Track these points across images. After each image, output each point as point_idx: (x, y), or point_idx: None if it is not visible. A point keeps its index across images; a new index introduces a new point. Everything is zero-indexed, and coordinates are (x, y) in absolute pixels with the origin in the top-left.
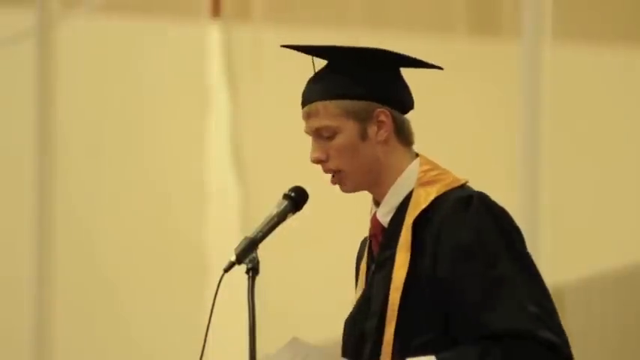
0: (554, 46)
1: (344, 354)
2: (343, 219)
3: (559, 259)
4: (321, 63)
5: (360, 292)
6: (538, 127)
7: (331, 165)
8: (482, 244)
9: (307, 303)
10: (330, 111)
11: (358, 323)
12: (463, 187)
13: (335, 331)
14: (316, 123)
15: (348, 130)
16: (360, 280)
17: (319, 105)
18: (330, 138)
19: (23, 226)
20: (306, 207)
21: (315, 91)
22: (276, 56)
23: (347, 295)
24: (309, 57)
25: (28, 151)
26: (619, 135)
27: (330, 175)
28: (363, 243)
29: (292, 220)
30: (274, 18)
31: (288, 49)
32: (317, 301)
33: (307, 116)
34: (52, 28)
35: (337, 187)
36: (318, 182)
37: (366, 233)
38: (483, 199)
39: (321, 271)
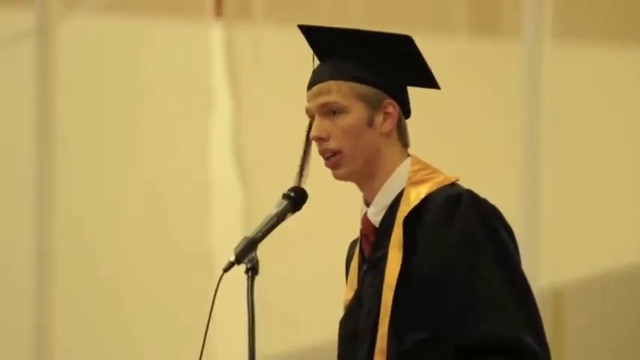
0: (555, 47)
1: (339, 354)
2: (343, 219)
3: (559, 259)
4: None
5: (352, 292)
6: (538, 127)
7: (331, 144)
8: (469, 245)
9: (307, 303)
10: (343, 90)
11: (352, 323)
12: (454, 184)
13: (334, 332)
14: (325, 99)
15: (357, 111)
16: (350, 281)
17: (332, 84)
18: (337, 114)
19: (23, 226)
20: (305, 207)
21: (330, 71)
22: (278, 56)
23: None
24: (311, 56)
25: (28, 151)
26: (619, 135)
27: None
28: (352, 244)
29: (292, 220)
30: (275, 18)
31: (289, 48)
32: (317, 301)
33: (317, 94)
34: (52, 28)
35: (336, 187)
36: (318, 182)
37: None
38: (474, 198)
39: (320, 270)
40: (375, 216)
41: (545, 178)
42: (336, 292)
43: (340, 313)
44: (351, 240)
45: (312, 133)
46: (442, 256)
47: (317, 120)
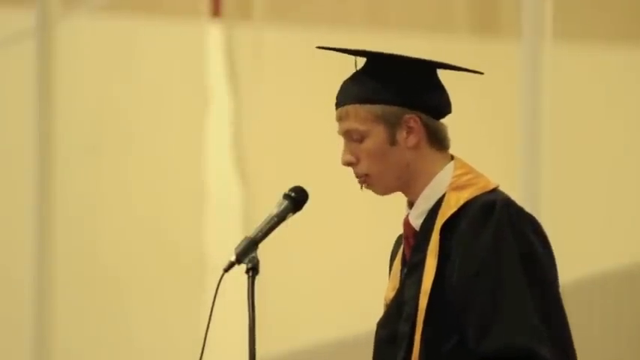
0: (554, 47)
1: (375, 356)
2: (343, 219)
3: (559, 259)
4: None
5: (392, 292)
6: (538, 127)
7: (360, 169)
8: (496, 255)
9: (307, 303)
10: (360, 115)
11: (390, 326)
12: (494, 191)
13: (334, 332)
14: (346, 126)
15: (377, 134)
16: (392, 280)
17: (350, 108)
18: (359, 141)
19: (23, 226)
20: (306, 207)
21: (348, 94)
22: (277, 56)
23: (347, 295)
24: (311, 58)
25: (28, 151)
26: (619, 135)
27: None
28: (397, 241)
29: (292, 220)
30: (275, 17)
31: (288, 48)
32: (317, 301)
33: (339, 119)
34: (52, 28)
35: (337, 187)
36: (319, 182)
37: (365, 234)
38: (508, 206)
39: (321, 271)
40: (416, 219)
41: (545, 178)
42: (336, 292)
43: (340, 313)
44: (353, 239)
45: (342, 159)
46: (469, 265)
47: (345, 144)
